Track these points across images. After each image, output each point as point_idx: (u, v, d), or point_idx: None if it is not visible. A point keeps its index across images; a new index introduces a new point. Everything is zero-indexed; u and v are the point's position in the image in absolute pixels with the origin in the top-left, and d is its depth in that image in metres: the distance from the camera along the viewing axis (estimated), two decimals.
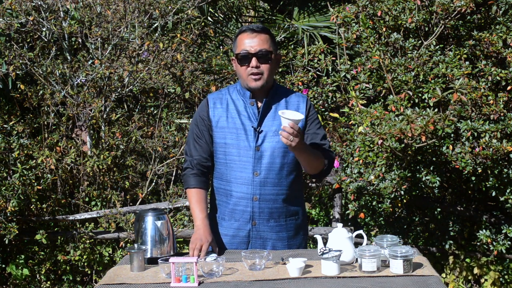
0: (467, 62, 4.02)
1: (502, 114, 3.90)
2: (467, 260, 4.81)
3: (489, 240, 4.23)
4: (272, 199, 2.84)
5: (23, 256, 4.87)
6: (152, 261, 2.65)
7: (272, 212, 2.86)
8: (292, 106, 2.90)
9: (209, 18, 6.13)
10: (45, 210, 4.77)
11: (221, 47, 6.22)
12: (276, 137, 2.82)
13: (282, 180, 2.85)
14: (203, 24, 5.41)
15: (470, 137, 3.87)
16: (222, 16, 6.51)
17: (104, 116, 4.90)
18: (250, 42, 2.80)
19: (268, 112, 2.86)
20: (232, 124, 2.85)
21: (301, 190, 3.02)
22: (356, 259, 2.57)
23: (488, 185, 4.03)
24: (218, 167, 2.91)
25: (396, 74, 4.07)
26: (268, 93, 2.87)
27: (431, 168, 4.04)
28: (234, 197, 2.86)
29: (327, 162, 2.87)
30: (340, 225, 2.66)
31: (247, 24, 2.78)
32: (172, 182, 5.01)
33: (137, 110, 5.12)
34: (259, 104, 2.86)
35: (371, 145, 3.82)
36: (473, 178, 4.05)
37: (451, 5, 4.10)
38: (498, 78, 3.98)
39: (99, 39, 4.83)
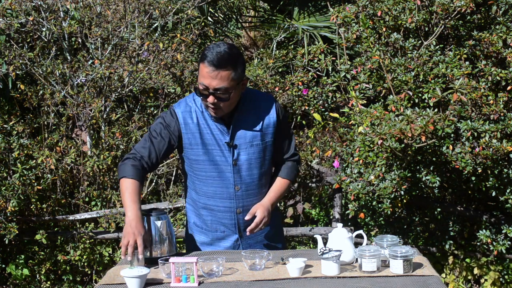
0: (467, 62, 4.02)
1: (502, 114, 3.90)
2: (467, 260, 4.81)
3: (489, 240, 4.23)
4: None
5: (23, 256, 4.87)
6: (152, 261, 2.65)
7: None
8: (262, 112, 2.81)
9: (209, 18, 6.14)
10: (45, 210, 4.77)
11: None
12: (251, 149, 2.78)
13: (262, 189, 2.87)
14: (203, 24, 5.41)
15: (470, 137, 3.87)
16: (222, 16, 6.52)
17: (104, 116, 4.90)
18: (208, 78, 2.61)
19: (239, 124, 2.78)
20: (206, 140, 2.76)
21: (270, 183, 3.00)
22: (356, 259, 2.57)
23: (488, 185, 4.03)
24: (196, 182, 2.84)
25: (396, 74, 4.07)
26: (236, 108, 2.76)
27: (431, 168, 4.04)
28: (216, 211, 2.84)
29: (292, 180, 2.98)
30: (340, 225, 2.66)
31: (213, 44, 2.56)
32: (172, 182, 5.01)
33: (137, 110, 5.12)
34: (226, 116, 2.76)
35: (371, 145, 3.81)
36: (473, 178, 4.05)
37: (451, 5, 4.10)
38: (498, 78, 3.98)
39: (99, 39, 4.83)
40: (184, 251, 3.07)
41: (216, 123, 2.76)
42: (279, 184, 2.91)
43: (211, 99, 2.65)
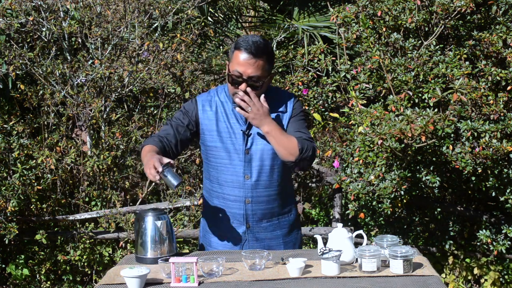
0: (467, 62, 4.02)
1: (502, 114, 3.90)
2: (467, 260, 4.81)
3: (489, 240, 4.23)
4: (264, 200, 2.85)
5: (23, 256, 4.87)
6: (152, 261, 2.65)
7: (265, 213, 2.87)
8: (280, 107, 2.87)
9: (209, 18, 6.14)
10: (45, 210, 4.77)
11: (221, 47, 6.23)
12: (264, 140, 2.80)
13: (273, 182, 2.86)
14: (203, 24, 5.41)
15: (470, 137, 3.87)
16: (222, 16, 6.51)
17: (104, 116, 4.90)
18: (244, 65, 2.70)
19: None
20: (221, 127, 2.83)
21: (292, 189, 3.05)
22: (356, 259, 2.57)
23: (488, 185, 4.03)
24: (210, 169, 2.90)
25: (396, 74, 4.07)
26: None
27: (431, 168, 4.04)
28: (227, 200, 2.87)
29: (301, 147, 2.72)
30: (340, 225, 2.66)
31: (245, 35, 2.61)
32: None
33: (137, 110, 5.12)
34: None
35: (371, 145, 3.82)
36: (473, 178, 4.05)
37: (451, 5, 4.10)
38: (498, 78, 3.98)
39: (99, 39, 4.83)
40: (184, 251, 3.07)
41: (235, 111, 2.81)
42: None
43: (243, 86, 2.72)
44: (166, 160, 2.59)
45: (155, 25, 5.18)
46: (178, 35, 4.96)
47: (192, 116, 2.86)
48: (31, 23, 4.75)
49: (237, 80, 2.73)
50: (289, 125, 2.87)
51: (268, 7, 6.88)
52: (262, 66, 2.72)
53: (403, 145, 3.75)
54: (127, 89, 4.89)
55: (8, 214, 4.43)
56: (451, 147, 3.89)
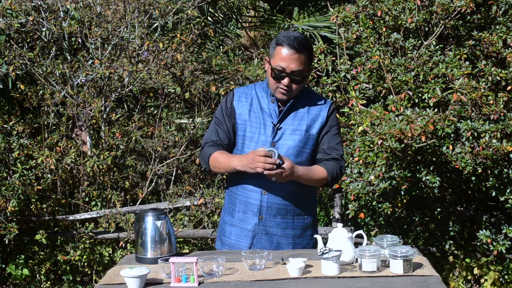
0: (467, 62, 4.02)
1: (502, 114, 3.91)
2: (467, 260, 4.81)
3: (489, 240, 4.23)
4: (280, 194, 2.86)
5: (23, 256, 4.87)
6: (152, 261, 2.65)
7: (279, 208, 2.87)
8: (314, 109, 2.92)
9: (209, 18, 6.14)
10: (45, 210, 4.77)
11: (221, 47, 6.23)
12: (293, 136, 2.87)
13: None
14: (203, 24, 5.41)
15: (470, 137, 3.87)
16: (222, 16, 6.51)
17: (104, 116, 4.90)
18: (288, 60, 2.78)
19: (291, 112, 2.90)
20: (253, 118, 2.91)
21: (314, 192, 3.03)
22: (356, 259, 2.57)
23: (488, 185, 4.03)
24: None
25: (396, 74, 4.07)
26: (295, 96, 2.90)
27: (431, 168, 4.04)
28: (244, 189, 2.89)
29: (330, 177, 2.87)
30: (340, 225, 2.66)
31: (287, 31, 2.72)
32: (172, 182, 5.01)
33: (137, 110, 5.12)
34: (281, 103, 2.90)
35: (371, 145, 3.82)
36: (473, 178, 4.05)
37: (451, 5, 4.10)
38: (498, 78, 3.98)
39: (99, 39, 4.83)
40: (184, 251, 3.07)
41: (272, 104, 2.89)
42: (314, 166, 2.89)
43: (286, 81, 2.80)
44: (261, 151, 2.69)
45: (155, 25, 5.18)
46: (178, 35, 4.96)
47: (229, 108, 2.95)
48: (31, 23, 4.75)
49: (280, 75, 2.80)
50: (325, 137, 2.92)
51: (268, 7, 6.88)
52: (304, 61, 2.80)
53: (403, 145, 3.75)
54: (127, 89, 4.89)
55: (8, 214, 4.43)
56: (451, 147, 3.89)
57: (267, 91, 2.92)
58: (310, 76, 4.56)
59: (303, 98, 2.92)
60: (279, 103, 2.90)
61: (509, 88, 4.00)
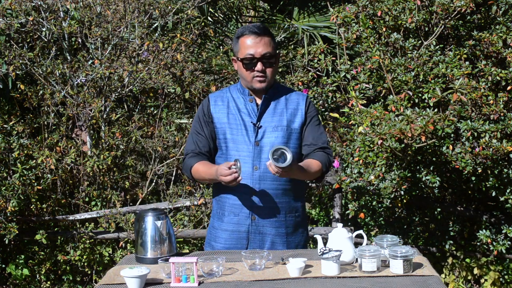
0: (467, 62, 4.02)
1: (502, 114, 3.90)
2: (467, 260, 4.81)
3: (489, 240, 4.23)
4: (271, 193, 2.87)
5: (23, 256, 4.87)
6: (152, 261, 2.65)
7: (271, 207, 2.88)
8: (291, 103, 2.95)
9: (209, 18, 6.13)
10: (45, 210, 4.77)
11: (221, 47, 6.23)
12: (275, 133, 2.88)
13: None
14: (203, 24, 5.41)
15: (470, 137, 3.87)
16: (222, 16, 6.51)
17: (104, 116, 4.90)
18: (254, 46, 2.84)
19: (267, 108, 2.92)
20: (232, 120, 2.92)
21: (302, 188, 3.04)
22: (356, 259, 2.57)
23: (488, 185, 4.03)
24: (219, 162, 2.95)
25: (396, 74, 4.07)
26: (267, 90, 2.92)
27: (431, 168, 4.04)
28: (234, 191, 2.89)
29: (324, 167, 2.91)
30: (340, 225, 2.66)
31: (246, 24, 2.78)
32: (172, 182, 5.01)
33: (137, 110, 5.12)
34: (259, 101, 2.93)
35: (371, 145, 3.81)
36: (473, 178, 4.05)
37: (451, 5, 4.10)
38: (498, 78, 3.98)
39: (99, 39, 4.83)
40: (184, 251, 3.07)
41: (250, 103, 2.92)
42: (308, 160, 2.91)
43: (259, 66, 2.85)
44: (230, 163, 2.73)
45: (155, 25, 5.18)
46: (178, 35, 4.96)
47: (206, 115, 2.97)
48: (31, 23, 4.75)
49: (251, 62, 2.85)
50: (307, 130, 2.95)
51: (268, 7, 6.88)
52: (269, 43, 2.87)
53: (403, 145, 3.75)
54: (127, 89, 4.89)
55: (8, 214, 4.43)
56: (451, 147, 3.89)
57: (243, 91, 2.95)
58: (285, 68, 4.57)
59: (277, 93, 2.95)
60: (256, 102, 2.92)
61: (509, 88, 3.99)
